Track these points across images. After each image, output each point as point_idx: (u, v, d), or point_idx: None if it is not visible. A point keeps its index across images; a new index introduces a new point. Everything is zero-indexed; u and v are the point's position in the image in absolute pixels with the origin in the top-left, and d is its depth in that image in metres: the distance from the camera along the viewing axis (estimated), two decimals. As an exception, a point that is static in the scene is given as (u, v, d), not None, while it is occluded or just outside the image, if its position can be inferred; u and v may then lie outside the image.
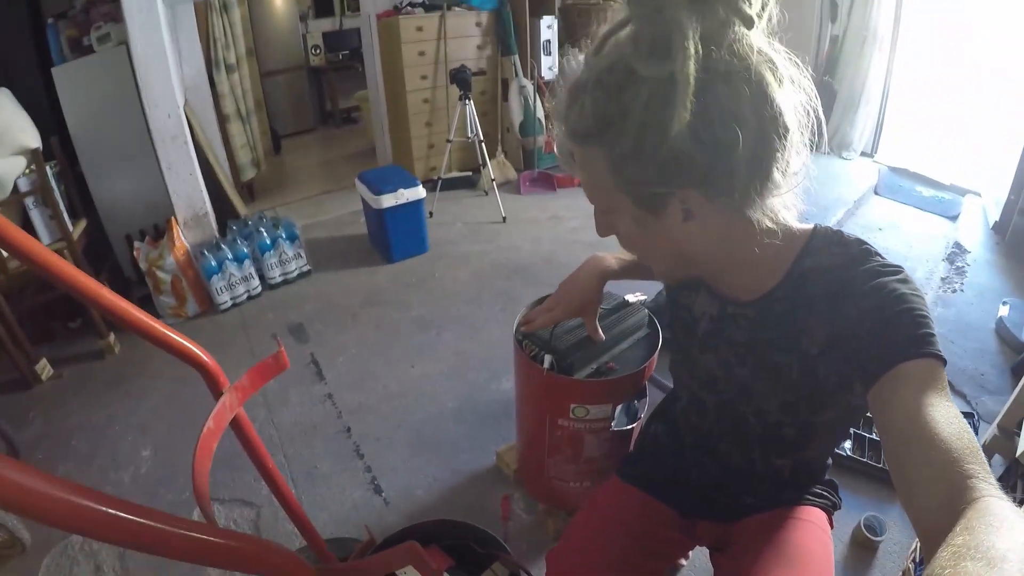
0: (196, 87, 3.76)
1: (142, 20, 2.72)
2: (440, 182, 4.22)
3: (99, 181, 3.07)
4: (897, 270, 0.72)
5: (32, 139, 2.52)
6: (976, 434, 2.01)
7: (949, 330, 2.65)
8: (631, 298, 1.57)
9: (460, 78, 3.93)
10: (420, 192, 3.37)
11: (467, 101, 4.01)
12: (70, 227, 2.59)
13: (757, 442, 0.93)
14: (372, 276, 3.32)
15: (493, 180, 4.14)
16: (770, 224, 0.72)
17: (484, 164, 4.18)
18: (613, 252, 1.21)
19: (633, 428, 1.49)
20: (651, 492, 1.08)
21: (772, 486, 0.99)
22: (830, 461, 1.08)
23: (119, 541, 0.48)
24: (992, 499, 0.49)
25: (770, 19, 0.62)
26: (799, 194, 0.72)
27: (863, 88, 4.50)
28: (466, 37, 4.53)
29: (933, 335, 0.67)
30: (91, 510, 0.46)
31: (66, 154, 2.85)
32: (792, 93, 0.65)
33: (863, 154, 4.74)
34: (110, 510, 0.47)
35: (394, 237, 3.38)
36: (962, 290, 3.01)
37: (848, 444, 1.97)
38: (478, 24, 4.56)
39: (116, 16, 2.81)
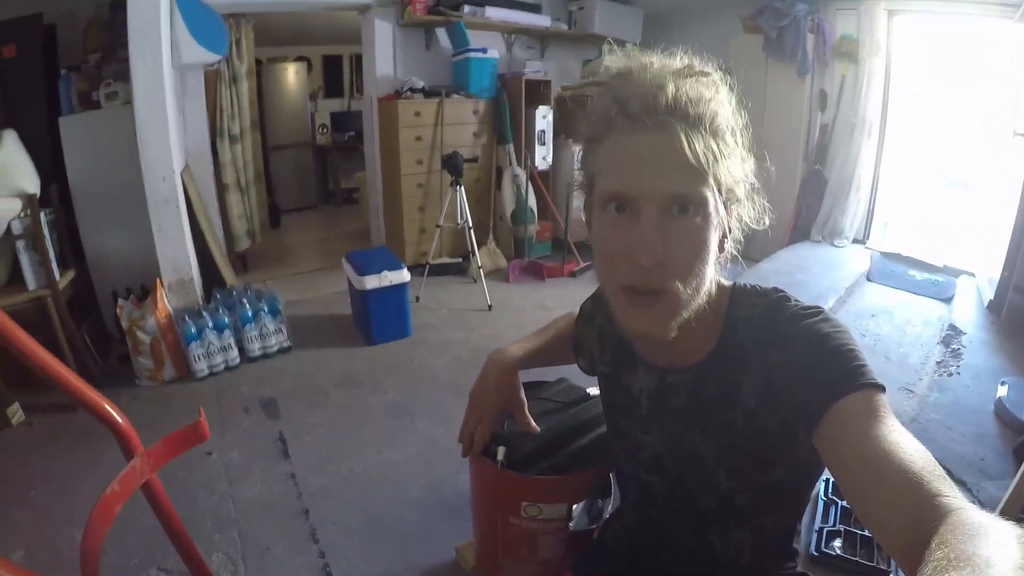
0: (198, 153, 3.86)
1: (147, 83, 2.83)
2: (428, 267, 4.23)
3: (92, 234, 3.15)
4: (817, 311, 0.74)
5: (30, 184, 2.61)
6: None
7: (946, 415, 2.57)
8: (592, 391, 1.50)
9: (451, 164, 4.00)
10: (404, 276, 3.37)
11: (458, 187, 4.05)
12: (57, 276, 2.64)
13: (713, 519, 0.88)
14: (350, 357, 3.29)
15: (480, 268, 4.15)
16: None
17: (473, 252, 4.20)
18: (513, 343, 1.19)
19: (594, 529, 1.40)
20: None
21: (735, 573, 0.92)
22: (797, 547, 0.99)
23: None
24: (962, 511, 0.49)
25: None
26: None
27: (853, 175, 4.55)
28: (463, 124, 4.66)
29: (863, 365, 0.67)
30: None
31: (63, 204, 2.93)
32: None
33: (855, 241, 4.75)
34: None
35: (375, 319, 3.36)
36: (958, 373, 2.93)
37: (838, 543, 1.86)
38: (475, 112, 4.71)
39: (125, 75, 2.93)
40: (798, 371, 0.70)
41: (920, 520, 0.50)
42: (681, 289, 0.72)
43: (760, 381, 0.76)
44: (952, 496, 0.51)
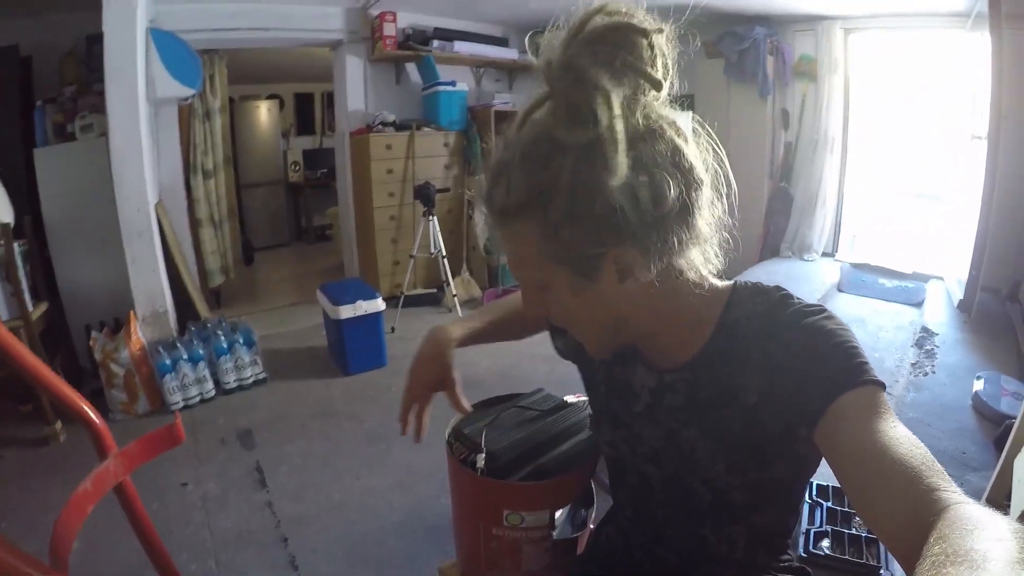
0: (171, 188, 3.84)
1: (123, 114, 2.83)
2: (403, 298, 4.22)
3: (65, 266, 3.13)
4: (821, 309, 0.73)
5: (4, 215, 2.58)
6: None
7: (925, 413, 2.60)
8: (571, 398, 1.49)
9: (424, 194, 4.03)
10: (379, 305, 3.37)
11: (431, 217, 4.08)
12: (30, 307, 2.59)
13: (707, 513, 0.87)
14: (327, 388, 3.26)
15: (455, 297, 4.15)
16: (694, 276, 0.75)
17: (447, 281, 4.19)
18: (455, 322, 1.18)
19: (579, 538, 1.37)
20: None
21: (729, 568, 0.91)
22: (791, 542, 0.98)
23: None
24: (960, 505, 0.48)
25: (672, 87, 0.68)
26: (718, 251, 0.76)
27: (818, 190, 4.66)
28: (434, 156, 4.70)
29: (866, 363, 0.67)
30: None
31: (36, 235, 2.89)
32: (697, 150, 0.69)
33: (824, 254, 4.83)
34: None
35: (351, 349, 3.34)
36: (934, 372, 2.98)
37: (826, 543, 1.84)
38: (446, 144, 4.76)
39: (100, 108, 2.94)
40: (801, 368, 0.69)
41: (918, 515, 0.50)
42: (577, 332, 0.78)
43: (762, 378, 0.75)
44: (950, 491, 0.51)
